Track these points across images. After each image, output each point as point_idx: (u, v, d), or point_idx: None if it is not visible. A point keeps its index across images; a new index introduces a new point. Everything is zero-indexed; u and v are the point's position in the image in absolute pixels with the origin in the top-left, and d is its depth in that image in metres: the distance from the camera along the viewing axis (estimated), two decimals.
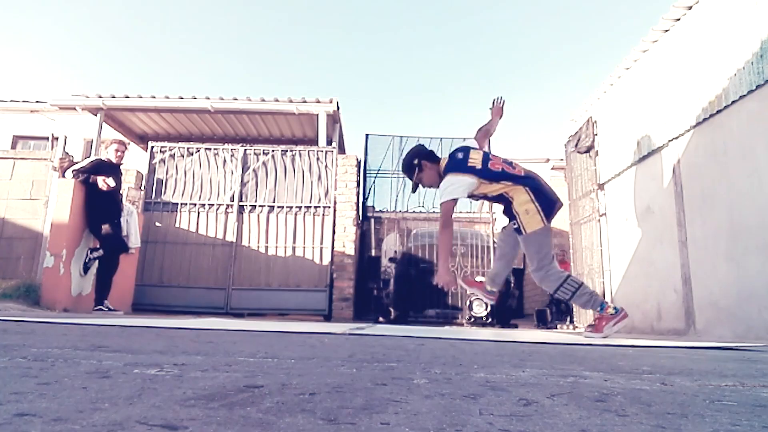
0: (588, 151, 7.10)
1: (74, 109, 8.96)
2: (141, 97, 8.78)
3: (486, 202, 8.46)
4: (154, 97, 8.78)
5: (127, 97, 8.75)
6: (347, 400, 0.79)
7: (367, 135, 8.68)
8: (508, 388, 0.97)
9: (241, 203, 7.33)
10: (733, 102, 4.39)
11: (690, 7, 5.05)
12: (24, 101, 12.16)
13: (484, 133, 3.95)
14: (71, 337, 1.80)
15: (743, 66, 4.26)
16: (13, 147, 11.76)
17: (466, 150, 3.58)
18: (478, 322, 7.08)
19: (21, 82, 57.64)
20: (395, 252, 8.40)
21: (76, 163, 5.56)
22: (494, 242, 7.98)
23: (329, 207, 7.34)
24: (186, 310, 6.72)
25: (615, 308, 3.30)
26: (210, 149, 7.62)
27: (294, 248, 7.17)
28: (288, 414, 0.68)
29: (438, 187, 3.50)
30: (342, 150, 10.09)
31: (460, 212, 8.77)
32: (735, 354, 2.15)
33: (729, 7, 4.53)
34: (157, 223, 7.21)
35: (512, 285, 8.66)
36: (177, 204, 7.32)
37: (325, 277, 7.08)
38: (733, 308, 4.34)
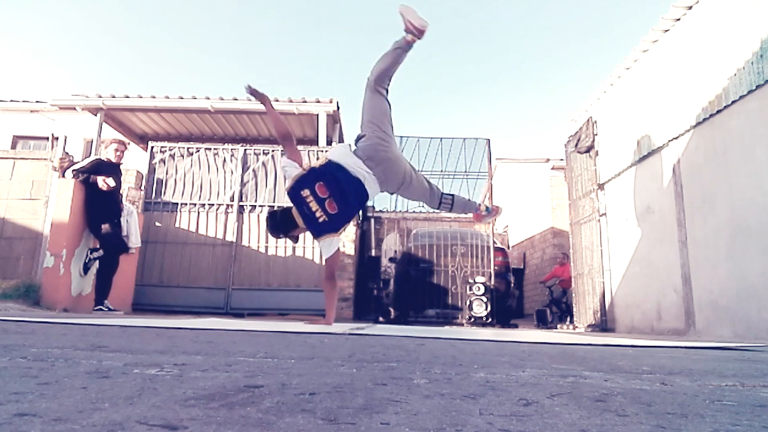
0: (588, 151, 7.10)
1: (74, 109, 8.96)
2: (141, 97, 8.78)
3: (487, 201, 8.48)
4: (154, 97, 8.77)
5: (127, 97, 8.75)
6: (347, 400, 0.79)
7: None
8: (508, 388, 0.97)
9: (241, 203, 7.32)
10: (733, 102, 4.39)
11: (690, 7, 5.06)
12: (24, 101, 12.16)
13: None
14: (71, 337, 1.80)
15: (743, 66, 4.27)
16: (13, 147, 11.76)
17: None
18: (478, 322, 7.07)
19: (21, 82, 57.66)
20: (395, 252, 8.41)
21: (76, 163, 5.56)
22: (494, 242, 7.98)
23: None
24: (186, 310, 6.71)
25: (487, 207, 3.63)
26: (210, 149, 7.62)
27: (294, 248, 7.17)
28: (288, 414, 0.68)
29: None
30: None
31: None
32: (735, 354, 2.15)
33: (729, 7, 4.53)
34: (157, 223, 7.21)
35: (512, 285, 8.66)
36: (177, 204, 7.32)
37: None
38: (733, 308, 4.34)
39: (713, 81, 4.66)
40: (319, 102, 8.67)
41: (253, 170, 7.47)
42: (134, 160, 9.25)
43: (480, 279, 7.31)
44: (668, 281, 5.32)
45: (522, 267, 13.65)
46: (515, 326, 7.38)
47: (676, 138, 5.26)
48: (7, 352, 1.29)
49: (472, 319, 7.13)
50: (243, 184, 7.40)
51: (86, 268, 5.34)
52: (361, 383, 0.97)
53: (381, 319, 7.37)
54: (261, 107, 8.68)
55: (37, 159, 6.24)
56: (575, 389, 0.98)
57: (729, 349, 2.43)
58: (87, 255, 5.33)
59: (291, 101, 8.69)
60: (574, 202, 7.60)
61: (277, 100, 8.72)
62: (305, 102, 8.68)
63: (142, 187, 7.63)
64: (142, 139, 10.21)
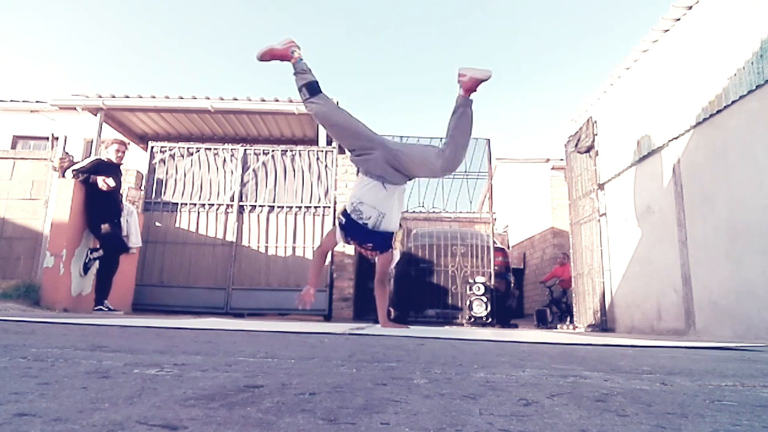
0: (588, 151, 7.10)
1: (74, 109, 8.95)
2: (141, 97, 8.77)
3: (487, 201, 8.47)
4: (154, 97, 8.77)
5: (127, 97, 8.74)
6: (347, 400, 0.79)
7: None
8: (508, 388, 0.97)
9: (241, 203, 7.32)
10: (733, 102, 4.39)
11: (690, 7, 5.06)
12: (24, 101, 12.15)
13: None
14: (71, 337, 1.80)
15: (743, 66, 4.27)
16: (13, 147, 11.76)
17: None
18: (478, 322, 7.07)
19: (21, 82, 57.62)
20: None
21: (76, 163, 5.56)
22: (494, 242, 7.98)
23: (329, 207, 7.34)
24: (186, 310, 6.71)
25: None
26: (210, 149, 7.62)
27: (294, 248, 7.17)
28: (288, 414, 0.68)
29: None
30: (342, 150, 10.07)
31: (460, 212, 8.77)
32: (735, 354, 2.15)
33: (729, 7, 4.53)
34: (157, 223, 7.21)
35: (512, 285, 8.66)
36: (177, 204, 7.32)
37: (325, 277, 7.08)
38: (733, 308, 4.34)
39: (713, 81, 4.66)
40: None
41: (253, 170, 7.47)
42: (134, 160, 9.24)
43: (480, 279, 7.31)
44: (668, 281, 5.32)
45: (522, 267, 13.65)
46: (515, 326, 7.38)
47: (676, 138, 5.26)
48: (7, 352, 1.29)
49: (472, 319, 7.13)
50: (243, 184, 7.40)
51: (86, 268, 5.34)
52: (361, 383, 0.97)
53: None
54: (261, 107, 8.73)
55: (37, 159, 6.24)
56: (575, 389, 0.98)
57: (729, 349, 2.43)
58: (87, 255, 5.33)
59: (291, 101, 8.69)
60: (574, 202, 7.60)
61: (277, 100, 8.72)
62: None
63: (142, 187, 7.62)
64: (142, 139, 10.20)
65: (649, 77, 5.84)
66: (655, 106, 5.65)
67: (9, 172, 6.17)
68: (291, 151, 7.57)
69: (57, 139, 6.49)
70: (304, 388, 0.88)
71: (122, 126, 9.92)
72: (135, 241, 5.76)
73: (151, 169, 7.47)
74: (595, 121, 7.05)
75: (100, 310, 5.16)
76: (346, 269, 7.61)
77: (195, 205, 7.33)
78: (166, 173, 7.45)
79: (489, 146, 8.48)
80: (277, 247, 7.18)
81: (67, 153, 6.15)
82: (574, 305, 7.59)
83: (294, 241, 7.20)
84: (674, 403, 0.86)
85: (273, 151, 7.57)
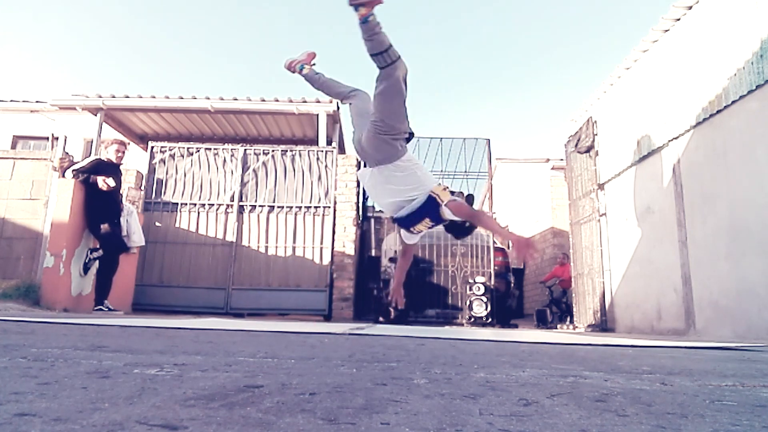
0: (588, 151, 7.10)
1: (74, 109, 8.95)
2: (141, 97, 8.77)
3: (487, 201, 8.48)
4: (154, 97, 8.77)
5: (127, 97, 8.75)
6: (347, 400, 0.79)
7: None
8: (508, 388, 0.97)
9: (241, 203, 7.32)
10: (733, 102, 4.39)
11: (690, 7, 5.06)
12: (24, 101, 12.15)
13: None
14: (71, 337, 1.80)
15: (743, 66, 4.26)
16: (13, 147, 11.75)
17: None
18: (478, 322, 7.07)
19: (21, 82, 57.60)
20: (395, 252, 8.39)
21: (76, 163, 5.55)
22: (494, 242, 7.98)
23: (329, 207, 7.34)
24: (186, 310, 6.71)
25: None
26: (210, 149, 7.62)
27: (294, 248, 7.17)
28: (288, 414, 0.68)
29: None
30: (342, 150, 10.08)
31: None
32: (735, 354, 2.15)
33: (729, 7, 4.53)
34: (157, 223, 7.21)
35: (512, 285, 8.66)
36: (177, 204, 7.32)
37: (325, 277, 7.08)
38: (733, 308, 4.34)
39: (713, 81, 4.66)
40: (319, 102, 8.67)
41: (253, 170, 7.47)
42: (134, 160, 9.23)
43: (480, 279, 7.31)
44: (668, 281, 5.32)
45: (522, 267, 13.64)
46: (515, 326, 7.38)
47: (676, 138, 5.26)
48: (7, 352, 1.29)
49: (472, 319, 7.13)
50: (243, 184, 7.40)
51: (86, 268, 5.34)
52: (361, 383, 0.97)
53: (381, 319, 7.37)
54: (261, 107, 8.73)
55: (37, 159, 6.24)
56: (575, 389, 0.98)
57: (729, 349, 2.43)
58: (87, 255, 5.33)
59: (291, 101, 8.69)
60: (574, 202, 7.60)
61: (277, 100, 8.72)
62: (305, 102, 8.68)
63: (142, 187, 7.62)
64: (142, 139, 10.20)
65: (649, 77, 5.84)
66: (655, 106, 5.65)
67: (9, 172, 6.17)
68: (291, 151, 7.57)
69: (57, 139, 6.49)
70: (304, 388, 0.88)
71: (122, 126, 9.92)
72: (137, 240, 5.76)
73: (151, 169, 7.47)
74: (595, 121, 7.05)
75: (100, 310, 5.16)
76: (346, 269, 7.61)
77: (195, 205, 7.33)
78: (166, 173, 7.45)
79: (489, 146, 8.49)
80: (277, 247, 7.18)
81: (67, 153, 6.15)
82: (574, 305, 7.59)
83: (294, 241, 7.20)
84: (674, 403, 0.86)
85: (273, 151, 7.57)
